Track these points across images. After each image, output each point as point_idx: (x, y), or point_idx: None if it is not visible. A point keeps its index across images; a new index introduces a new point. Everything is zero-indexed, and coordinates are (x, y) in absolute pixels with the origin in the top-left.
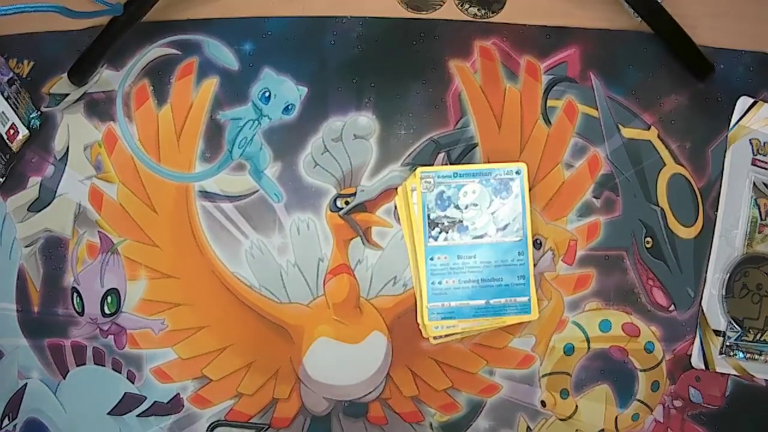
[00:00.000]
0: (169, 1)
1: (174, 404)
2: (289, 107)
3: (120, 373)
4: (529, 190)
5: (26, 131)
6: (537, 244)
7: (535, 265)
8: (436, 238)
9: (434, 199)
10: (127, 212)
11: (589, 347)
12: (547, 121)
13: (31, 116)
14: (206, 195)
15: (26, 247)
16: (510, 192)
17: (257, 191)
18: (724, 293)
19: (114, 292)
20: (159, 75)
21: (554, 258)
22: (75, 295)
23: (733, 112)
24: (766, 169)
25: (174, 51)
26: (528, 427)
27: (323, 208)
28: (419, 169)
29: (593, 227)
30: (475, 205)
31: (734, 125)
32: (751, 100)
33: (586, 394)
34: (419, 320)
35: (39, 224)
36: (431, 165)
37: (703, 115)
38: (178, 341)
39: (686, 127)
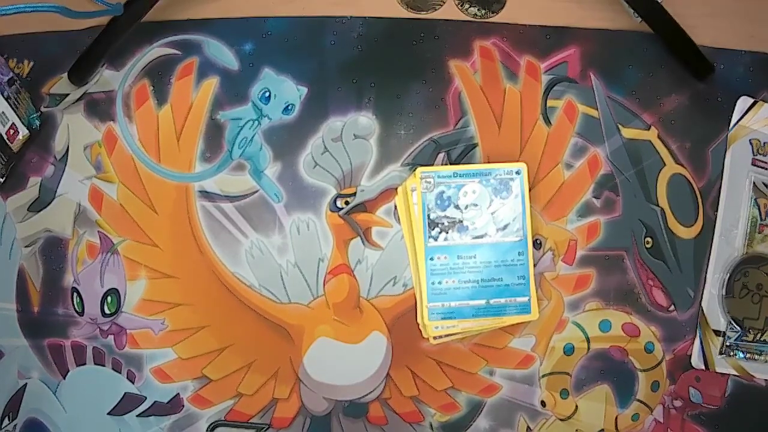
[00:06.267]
0: (169, 1)
1: (174, 404)
2: (289, 107)
3: (120, 373)
4: (529, 190)
5: (26, 131)
6: (537, 244)
7: (535, 265)
8: (436, 238)
9: (434, 199)
10: (127, 212)
11: (589, 347)
12: (547, 121)
13: (31, 116)
14: (206, 195)
15: (26, 247)
16: (510, 192)
17: (257, 191)
18: (724, 293)
19: (114, 292)
20: (159, 75)
21: (554, 258)
22: (75, 295)
23: (733, 112)
24: (766, 169)
25: (174, 51)
26: (528, 427)
27: (323, 208)
28: (419, 169)
29: (593, 227)
30: (475, 205)
31: (734, 125)
32: (751, 100)
33: (586, 394)
34: (419, 320)
35: (39, 224)
36: (431, 165)
37: (703, 115)
38: (178, 341)
39: (686, 127)
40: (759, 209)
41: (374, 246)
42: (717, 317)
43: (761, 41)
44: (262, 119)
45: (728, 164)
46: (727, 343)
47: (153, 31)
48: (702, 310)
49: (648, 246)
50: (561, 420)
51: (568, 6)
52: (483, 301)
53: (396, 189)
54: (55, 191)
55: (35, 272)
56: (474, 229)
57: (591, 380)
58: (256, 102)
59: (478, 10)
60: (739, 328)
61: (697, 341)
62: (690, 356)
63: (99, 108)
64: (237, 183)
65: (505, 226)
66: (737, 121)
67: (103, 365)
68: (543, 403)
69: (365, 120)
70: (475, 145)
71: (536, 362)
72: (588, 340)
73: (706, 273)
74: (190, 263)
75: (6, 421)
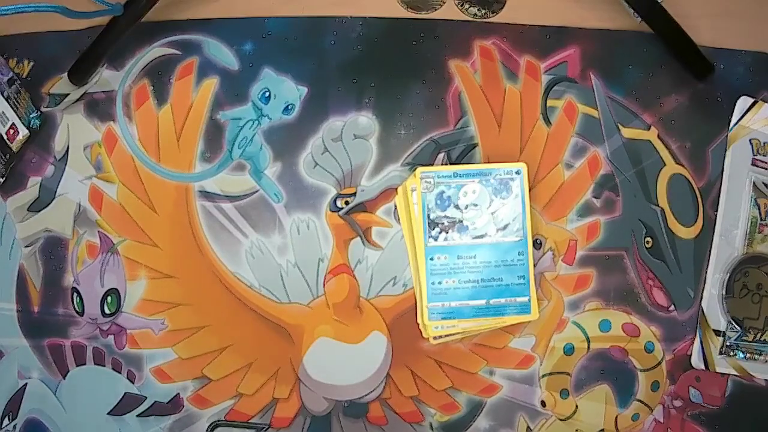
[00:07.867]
0: (169, 1)
1: (174, 404)
2: (289, 107)
3: (120, 373)
4: (529, 190)
5: (26, 131)
6: (537, 244)
7: (535, 265)
8: (436, 238)
9: (434, 199)
10: (127, 212)
11: (589, 347)
12: (547, 121)
13: (31, 116)
14: (206, 195)
15: (26, 247)
16: (510, 192)
17: (257, 191)
18: (724, 293)
19: (114, 292)
20: (159, 75)
21: (554, 258)
22: (75, 295)
23: (733, 112)
24: (766, 169)
25: (174, 51)
26: (528, 427)
27: (323, 208)
28: (419, 169)
29: (593, 227)
30: (475, 205)
31: (734, 125)
32: (751, 100)
33: (586, 394)
34: (419, 320)
35: (39, 224)
36: (431, 165)
37: (703, 115)
38: (178, 341)
39: (686, 127)
40: (759, 209)
41: (374, 246)
42: (717, 317)
43: (761, 41)
44: (262, 119)
45: (728, 164)
46: (727, 343)
47: (153, 31)
48: (702, 310)
49: (648, 246)
50: (561, 420)
51: (568, 6)
52: (483, 301)
53: (396, 189)
54: (55, 191)
55: (35, 272)
56: (474, 229)
57: (591, 380)
58: (256, 102)
59: (478, 10)
60: (739, 328)
61: (697, 341)
62: (690, 356)
63: (99, 108)
64: (237, 183)
65: (505, 226)
66: (737, 121)
67: (103, 365)
68: (543, 403)
69: (365, 120)
70: (475, 145)
71: (536, 362)
72: (588, 340)
73: (706, 273)
74: (190, 263)
75: (6, 421)
